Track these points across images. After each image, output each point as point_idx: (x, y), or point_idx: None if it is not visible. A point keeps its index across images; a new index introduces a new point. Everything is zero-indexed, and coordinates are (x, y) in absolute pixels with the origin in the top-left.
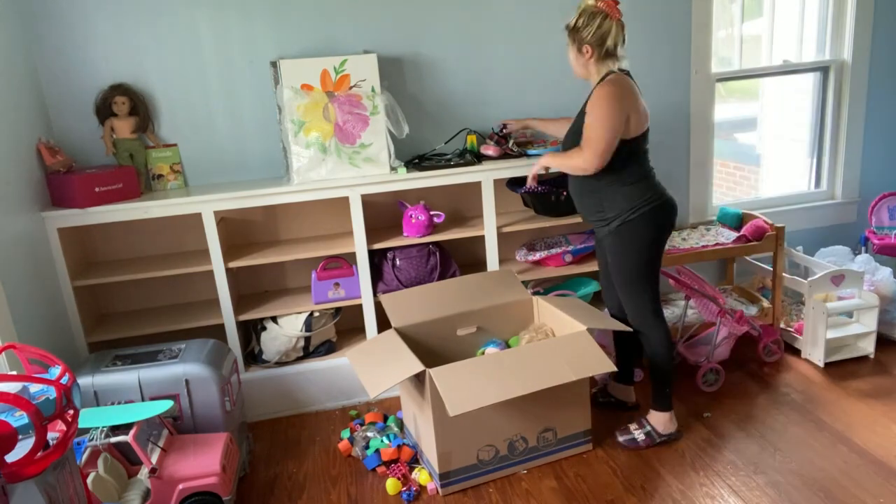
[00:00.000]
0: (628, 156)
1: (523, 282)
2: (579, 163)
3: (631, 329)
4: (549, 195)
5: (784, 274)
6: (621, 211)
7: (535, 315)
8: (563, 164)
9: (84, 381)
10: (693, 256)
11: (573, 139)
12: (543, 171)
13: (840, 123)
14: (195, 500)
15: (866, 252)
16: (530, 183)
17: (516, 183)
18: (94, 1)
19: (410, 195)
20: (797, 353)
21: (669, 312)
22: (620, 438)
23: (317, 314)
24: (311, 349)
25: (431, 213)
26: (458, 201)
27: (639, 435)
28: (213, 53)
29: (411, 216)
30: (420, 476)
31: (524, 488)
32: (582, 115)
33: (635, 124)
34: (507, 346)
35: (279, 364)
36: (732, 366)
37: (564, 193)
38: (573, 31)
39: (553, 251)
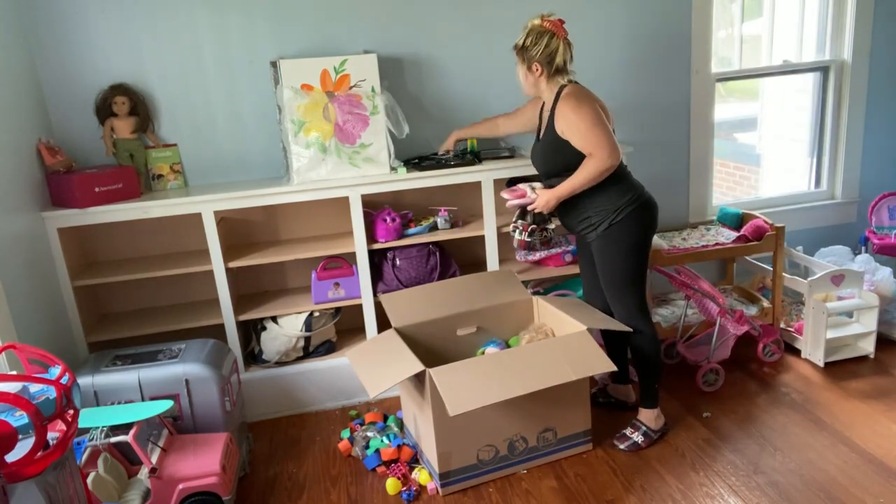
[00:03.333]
0: None
1: (523, 282)
2: (598, 164)
3: (631, 329)
4: None
5: (784, 274)
6: (606, 214)
7: (535, 315)
8: (581, 183)
9: (84, 381)
10: (693, 256)
11: (555, 158)
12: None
13: (840, 123)
14: (195, 500)
15: (866, 252)
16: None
17: (516, 183)
18: (95, 1)
19: (410, 195)
20: (797, 353)
21: (669, 312)
22: (622, 446)
23: (317, 314)
24: (311, 349)
25: (400, 213)
26: (458, 201)
27: (637, 437)
28: (213, 53)
29: (385, 219)
30: (420, 476)
31: (524, 488)
32: (551, 132)
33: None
34: (507, 346)
35: (279, 364)
36: (732, 366)
37: None
38: (522, 50)
39: (553, 251)
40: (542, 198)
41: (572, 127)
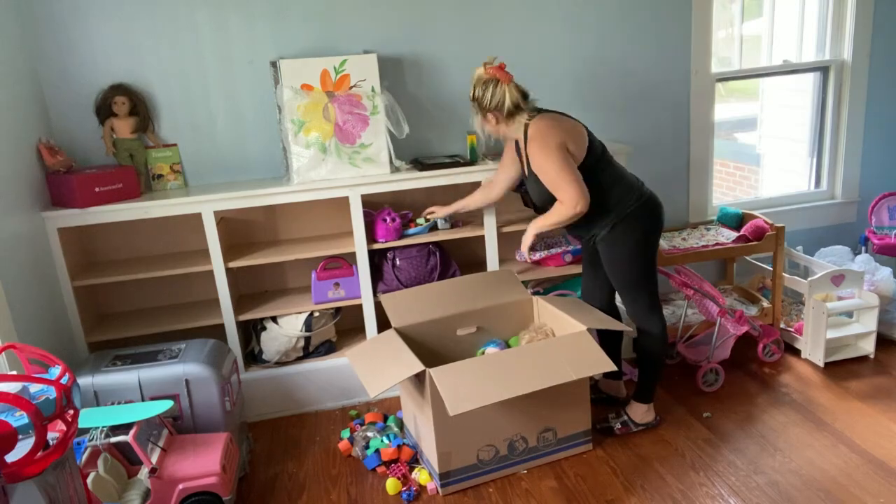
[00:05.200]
0: (587, 173)
1: (523, 282)
2: (569, 211)
3: (631, 329)
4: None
5: (784, 274)
6: (606, 223)
7: (535, 315)
8: (553, 223)
9: (84, 381)
10: (693, 256)
11: (542, 190)
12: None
13: (840, 123)
14: (195, 500)
15: (866, 252)
16: (525, 250)
17: None
18: (95, 1)
19: (410, 195)
20: (797, 353)
21: (669, 312)
22: (597, 426)
23: (317, 314)
24: (311, 349)
25: (400, 213)
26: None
27: (615, 423)
28: (213, 53)
29: (385, 219)
30: (420, 476)
31: (524, 488)
32: (532, 170)
33: (574, 149)
34: (507, 346)
35: (279, 364)
36: (732, 366)
37: None
38: (474, 102)
39: (553, 251)
40: (531, 227)
41: (541, 171)
